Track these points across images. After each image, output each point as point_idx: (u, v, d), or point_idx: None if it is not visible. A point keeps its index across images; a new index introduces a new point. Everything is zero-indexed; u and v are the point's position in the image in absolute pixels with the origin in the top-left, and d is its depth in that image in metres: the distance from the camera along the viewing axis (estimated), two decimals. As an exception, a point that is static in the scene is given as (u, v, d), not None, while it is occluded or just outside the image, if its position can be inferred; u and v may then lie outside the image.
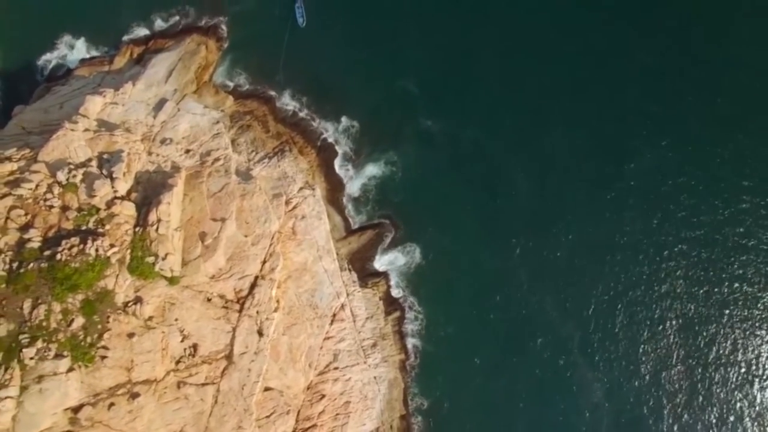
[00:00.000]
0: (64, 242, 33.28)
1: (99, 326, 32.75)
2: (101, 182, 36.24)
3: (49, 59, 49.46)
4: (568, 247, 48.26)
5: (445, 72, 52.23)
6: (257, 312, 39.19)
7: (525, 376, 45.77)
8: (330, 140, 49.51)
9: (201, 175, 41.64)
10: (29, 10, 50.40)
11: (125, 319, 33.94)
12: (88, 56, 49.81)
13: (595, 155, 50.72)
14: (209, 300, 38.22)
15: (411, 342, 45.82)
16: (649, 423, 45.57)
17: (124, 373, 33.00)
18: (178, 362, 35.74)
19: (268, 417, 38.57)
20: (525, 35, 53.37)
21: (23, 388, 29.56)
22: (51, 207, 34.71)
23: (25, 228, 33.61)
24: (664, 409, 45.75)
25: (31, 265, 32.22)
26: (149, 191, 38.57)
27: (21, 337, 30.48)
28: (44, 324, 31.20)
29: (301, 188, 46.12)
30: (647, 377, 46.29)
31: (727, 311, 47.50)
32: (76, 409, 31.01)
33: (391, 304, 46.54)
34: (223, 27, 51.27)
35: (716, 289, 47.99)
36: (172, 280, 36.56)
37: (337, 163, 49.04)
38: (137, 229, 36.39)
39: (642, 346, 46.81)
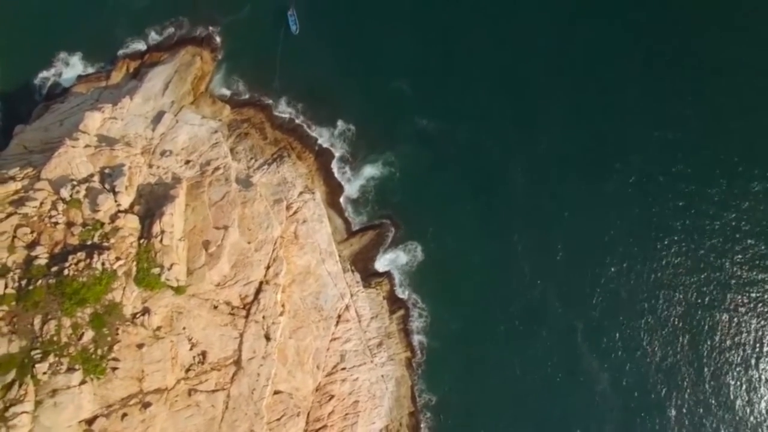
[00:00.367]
0: (70, 258, 33.92)
1: (109, 338, 33.39)
2: (104, 197, 36.84)
3: (46, 77, 49.96)
4: (568, 240, 48.66)
5: (438, 72, 52.60)
6: (263, 317, 39.71)
7: (531, 367, 46.20)
8: (327, 144, 50.02)
9: (202, 184, 42.19)
10: (24, 28, 50.91)
11: (134, 330, 34.53)
12: (84, 72, 50.37)
13: (593, 149, 51.07)
14: (216, 307, 38.76)
15: (417, 339, 46.31)
16: (655, 410, 45.97)
17: (135, 383, 33.59)
18: (188, 370, 36.34)
19: (278, 420, 39.06)
20: (518, 32, 53.74)
21: (38, 403, 30.19)
22: (56, 224, 35.31)
23: (31, 245, 34.28)
24: (672, 393, 46.19)
25: (40, 281, 32.86)
26: (152, 203, 39.17)
27: (33, 352, 31.17)
28: (55, 339, 31.86)
29: (301, 193, 46.57)
30: (653, 364, 46.68)
31: (729, 295, 47.98)
32: (90, 421, 31.64)
33: (395, 302, 47.03)
34: (217, 37, 51.74)
35: (717, 274, 48.44)
36: (178, 290, 37.13)
37: (335, 166, 49.55)
38: (142, 241, 36.99)
39: (646, 334, 47.22)
